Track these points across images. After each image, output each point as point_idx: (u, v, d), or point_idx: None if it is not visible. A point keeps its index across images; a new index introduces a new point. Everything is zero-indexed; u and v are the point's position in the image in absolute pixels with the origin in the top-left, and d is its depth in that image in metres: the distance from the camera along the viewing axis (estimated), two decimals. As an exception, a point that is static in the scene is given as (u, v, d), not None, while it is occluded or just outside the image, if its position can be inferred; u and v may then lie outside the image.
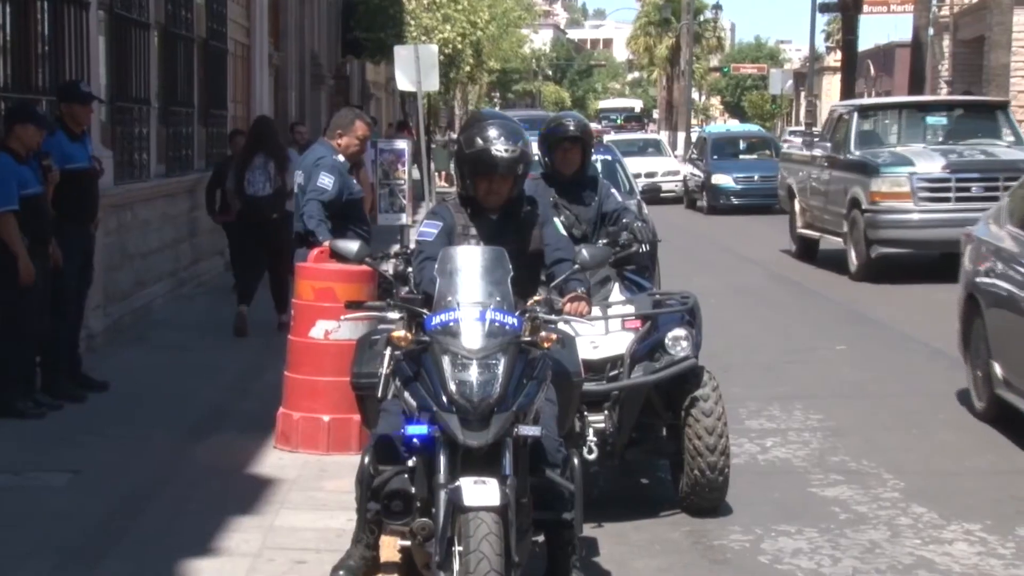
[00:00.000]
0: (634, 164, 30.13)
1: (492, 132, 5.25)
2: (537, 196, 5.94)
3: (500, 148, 5.22)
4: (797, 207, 19.44)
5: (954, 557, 6.25)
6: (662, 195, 31.35)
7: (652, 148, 35.81)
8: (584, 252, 5.44)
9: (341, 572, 5.44)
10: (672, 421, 6.87)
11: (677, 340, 6.71)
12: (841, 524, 6.77)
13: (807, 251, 19.26)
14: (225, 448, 7.75)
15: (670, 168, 33.42)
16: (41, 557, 5.76)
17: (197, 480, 7.09)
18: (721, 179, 28.98)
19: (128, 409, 8.74)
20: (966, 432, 8.79)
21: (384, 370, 5.31)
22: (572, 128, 7.21)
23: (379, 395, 5.37)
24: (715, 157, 30.08)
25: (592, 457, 6.48)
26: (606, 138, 32.26)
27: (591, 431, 6.55)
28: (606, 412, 6.61)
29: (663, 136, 52.72)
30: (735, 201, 28.58)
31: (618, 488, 7.35)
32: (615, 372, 6.66)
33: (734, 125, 53.89)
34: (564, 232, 5.56)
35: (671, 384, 6.76)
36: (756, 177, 28.63)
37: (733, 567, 6.21)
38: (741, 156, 31.14)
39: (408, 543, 5.11)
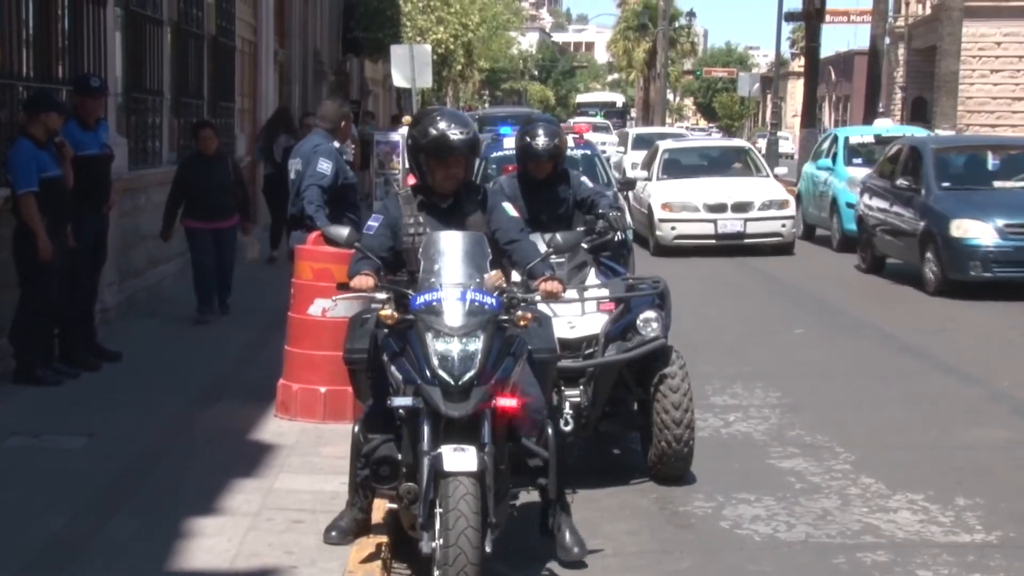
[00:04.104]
0: (710, 189, 18.43)
1: (444, 122, 5.28)
2: (505, 187, 5.97)
3: (455, 132, 5.23)
4: None
5: (898, 524, 6.28)
6: (753, 241, 18.20)
7: (737, 162, 20.33)
8: (558, 237, 5.55)
9: (333, 532, 5.46)
10: (642, 396, 6.89)
11: (648, 321, 6.73)
12: (796, 493, 6.80)
13: None
14: (229, 415, 7.75)
15: (774, 196, 18.51)
16: (58, 512, 5.76)
17: (203, 445, 7.08)
18: (969, 229, 13.82)
19: (140, 378, 8.73)
20: (912, 410, 8.83)
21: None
22: (541, 150, 7.16)
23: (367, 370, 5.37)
24: (944, 184, 14.82)
25: (568, 429, 6.49)
26: (671, 144, 21.43)
27: (567, 405, 6.56)
28: (581, 387, 6.64)
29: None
30: (998, 272, 13.73)
31: (592, 457, 7.36)
32: (590, 350, 6.68)
33: (889, 126, 24.42)
34: (514, 214, 5.53)
35: (642, 362, 6.78)
36: None
37: (696, 531, 6.23)
38: (995, 183, 15.09)
39: (396, 506, 5.14)
